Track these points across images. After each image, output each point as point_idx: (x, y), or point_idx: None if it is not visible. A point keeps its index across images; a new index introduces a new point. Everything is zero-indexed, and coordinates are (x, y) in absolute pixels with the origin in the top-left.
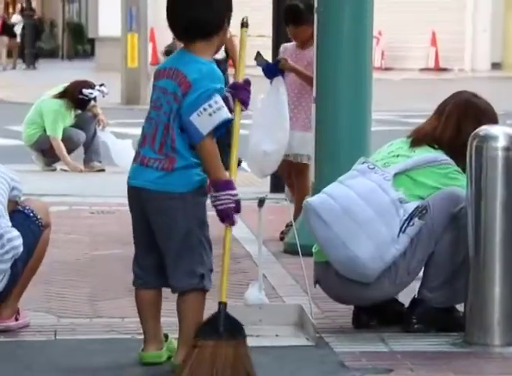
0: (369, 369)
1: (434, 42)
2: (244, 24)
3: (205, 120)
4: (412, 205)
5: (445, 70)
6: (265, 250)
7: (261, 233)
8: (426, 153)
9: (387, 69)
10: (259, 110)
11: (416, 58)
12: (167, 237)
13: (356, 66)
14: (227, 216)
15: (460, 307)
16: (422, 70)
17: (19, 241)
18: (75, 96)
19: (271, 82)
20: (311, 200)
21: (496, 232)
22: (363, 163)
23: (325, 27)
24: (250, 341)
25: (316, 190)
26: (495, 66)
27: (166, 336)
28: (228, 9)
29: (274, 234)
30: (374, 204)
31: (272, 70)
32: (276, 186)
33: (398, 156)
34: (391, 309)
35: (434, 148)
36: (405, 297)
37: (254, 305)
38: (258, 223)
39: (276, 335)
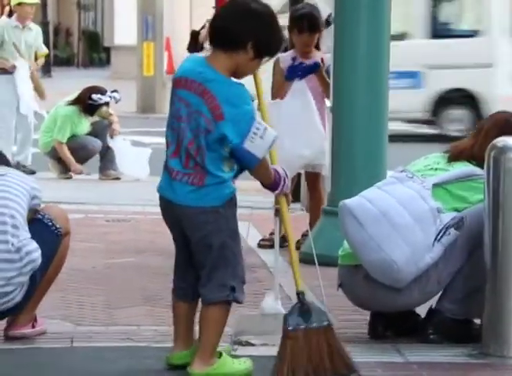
0: None
1: None
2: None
3: (258, 143)
4: (448, 216)
5: None
6: (280, 259)
7: (277, 242)
8: (464, 168)
9: None
10: (285, 112)
11: None
12: (203, 251)
13: (373, 75)
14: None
15: (477, 319)
16: None
17: (37, 253)
18: (85, 102)
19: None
20: (348, 201)
21: None
22: (401, 171)
23: (341, 34)
24: (266, 351)
25: (333, 201)
26: None
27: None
28: (263, 35)
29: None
30: (412, 210)
31: (301, 71)
32: (293, 195)
33: (436, 169)
34: (407, 320)
35: (471, 164)
36: (421, 307)
37: (270, 315)
38: (275, 232)
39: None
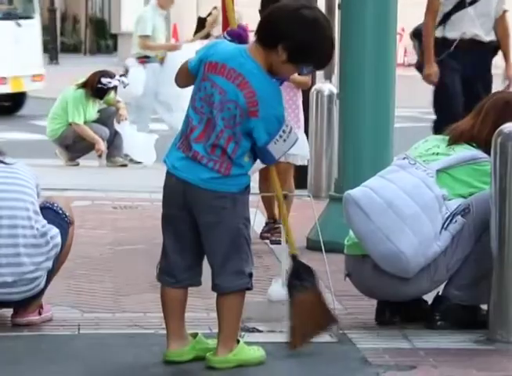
0: (392, 366)
1: None
2: None
3: (280, 146)
4: (454, 203)
5: None
6: (286, 246)
7: (284, 229)
8: (465, 151)
9: (410, 65)
10: None
11: None
12: (217, 237)
13: (380, 64)
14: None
15: (484, 305)
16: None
17: (59, 238)
18: (94, 85)
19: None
20: (352, 192)
21: None
22: (404, 158)
23: (348, 24)
24: (273, 337)
25: (339, 188)
26: None
27: (195, 335)
28: (297, 39)
29: (297, 230)
30: (418, 199)
31: None
32: (299, 182)
33: (437, 154)
34: (414, 306)
35: (472, 146)
36: (428, 293)
37: (277, 302)
38: (281, 219)
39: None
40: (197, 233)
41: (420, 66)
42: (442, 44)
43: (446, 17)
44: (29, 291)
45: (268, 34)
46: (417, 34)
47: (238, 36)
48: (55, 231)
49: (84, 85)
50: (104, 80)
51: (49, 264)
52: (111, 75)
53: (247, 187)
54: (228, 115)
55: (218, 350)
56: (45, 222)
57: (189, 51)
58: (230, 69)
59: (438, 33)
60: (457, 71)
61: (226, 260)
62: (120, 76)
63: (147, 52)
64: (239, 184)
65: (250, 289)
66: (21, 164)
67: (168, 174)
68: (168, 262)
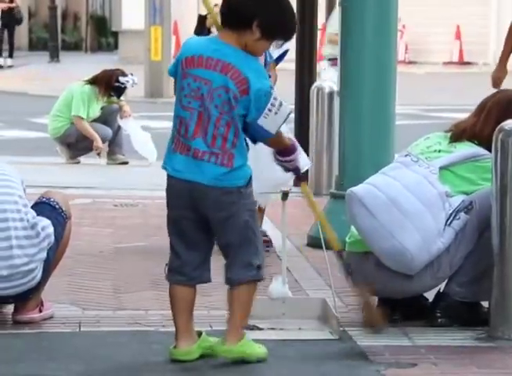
0: (392, 363)
1: (458, 36)
2: None
3: (272, 119)
4: (457, 199)
5: (469, 63)
6: (288, 243)
7: (284, 226)
8: (467, 149)
9: (410, 62)
10: None
11: (440, 51)
12: (227, 232)
13: (380, 60)
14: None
15: (484, 302)
16: (446, 63)
17: (51, 229)
18: (111, 84)
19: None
20: (355, 189)
21: None
22: (406, 156)
23: (349, 21)
24: (274, 334)
25: (340, 185)
26: None
27: (200, 333)
28: (268, 14)
29: (297, 228)
30: (421, 196)
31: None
32: (300, 179)
33: (439, 151)
34: (414, 303)
35: (474, 144)
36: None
37: (278, 299)
38: (282, 217)
39: (300, 329)
40: (205, 229)
41: None
42: None
43: None
44: (25, 285)
45: (238, 16)
46: None
47: None
48: (46, 222)
49: (93, 82)
50: (122, 79)
51: (43, 255)
52: (125, 74)
53: (250, 179)
54: (221, 101)
55: (227, 340)
56: (34, 213)
57: None
58: (207, 58)
59: None
60: None
61: (236, 253)
62: (131, 75)
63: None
64: (243, 177)
65: (259, 280)
66: (2, 162)
67: (170, 177)
68: (179, 261)
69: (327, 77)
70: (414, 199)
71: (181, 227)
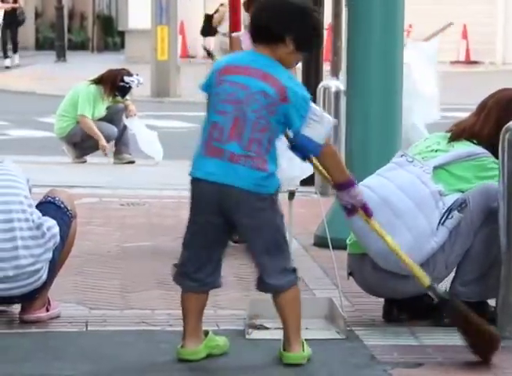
0: (399, 362)
1: (464, 35)
2: None
3: (316, 129)
4: (451, 198)
5: (475, 62)
6: (295, 243)
7: (291, 226)
8: (464, 147)
9: None
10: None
11: (447, 51)
12: (261, 238)
13: (387, 60)
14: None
15: (492, 302)
16: (452, 62)
17: (56, 229)
18: (116, 83)
19: None
20: None
21: None
22: (402, 156)
23: (355, 21)
24: (280, 334)
25: None
26: None
27: (206, 332)
28: (301, 29)
29: (304, 227)
30: (413, 195)
31: None
32: (306, 179)
33: (436, 150)
34: (421, 303)
35: (473, 143)
36: None
37: None
38: (288, 216)
39: (306, 328)
40: (224, 235)
41: None
42: None
43: None
44: (31, 285)
45: (272, 30)
46: None
47: None
48: (51, 222)
49: (98, 82)
50: (127, 78)
51: (49, 255)
52: (130, 74)
53: (279, 187)
54: (258, 106)
55: (292, 346)
56: (40, 214)
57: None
58: (246, 66)
59: None
60: None
61: (271, 260)
62: (136, 75)
63: None
64: (275, 185)
65: (296, 284)
66: (8, 161)
67: (200, 181)
68: (194, 266)
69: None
70: (406, 199)
71: (205, 232)
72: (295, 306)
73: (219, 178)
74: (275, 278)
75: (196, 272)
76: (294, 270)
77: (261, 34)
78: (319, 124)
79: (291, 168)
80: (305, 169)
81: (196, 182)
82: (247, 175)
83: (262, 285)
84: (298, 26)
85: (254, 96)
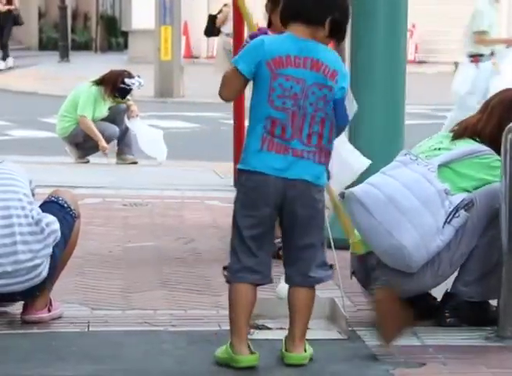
0: (401, 362)
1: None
2: None
3: (348, 104)
4: (458, 197)
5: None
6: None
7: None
8: (467, 145)
9: (420, 62)
10: None
11: (451, 51)
12: (312, 230)
13: (390, 60)
14: None
15: (494, 302)
16: (456, 63)
17: (56, 225)
18: (117, 85)
19: None
20: (354, 189)
21: None
22: (405, 155)
23: (359, 20)
24: (282, 334)
25: (350, 185)
26: None
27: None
28: (339, 13)
29: None
30: (419, 193)
31: None
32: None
33: (439, 149)
34: (423, 303)
35: (476, 141)
36: (438, 290)
37: (286, 299)
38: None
39: (308, 328)
40: (274, 227)
41: None
42: None
43: None
44: (30, 280)
45: (317, 11)
46: None
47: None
48: (50, 218)
49: (100, 83)
50: (128, 80)
51: (48, 251)
52: (131, 76)
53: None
54: (315, 98)
55: (296, 346)
56: (40, 211)
57: None
58: (295, 57)
59: None
60: None
61: (315, 253)
62: (137, 77)
63: (482, 49)
64: (326, 177)
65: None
66: (8, 162)
67: (263, 175)
68: (254, 260)
69: (463, 74)
70: (412, 197)
71: (266, 226)
72: (310, 307)
73: (286, 173)
74: (316, 272)
75: (257, 264)
76: (331, 266)
77: (304, 14)
78: (349, 102)
79: (343, 171)
80: (357, 170)
81: (257, 175)
82: (311, 168)
83: (301, 278)
84: (339, 8)
85: (311, 89)
